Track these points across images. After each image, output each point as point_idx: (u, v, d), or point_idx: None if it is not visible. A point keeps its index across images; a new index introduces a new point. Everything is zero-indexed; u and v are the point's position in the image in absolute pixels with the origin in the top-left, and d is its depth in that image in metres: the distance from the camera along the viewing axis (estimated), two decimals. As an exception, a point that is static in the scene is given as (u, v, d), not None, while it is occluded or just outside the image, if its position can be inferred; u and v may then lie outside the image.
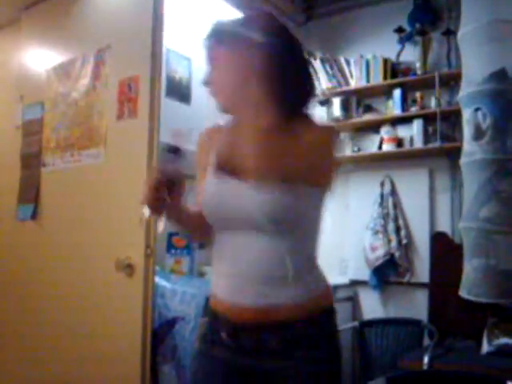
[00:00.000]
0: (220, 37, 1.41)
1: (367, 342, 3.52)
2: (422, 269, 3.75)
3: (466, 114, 3.30)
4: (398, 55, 3.97)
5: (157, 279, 2.45)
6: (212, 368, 1.36)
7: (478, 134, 3.23)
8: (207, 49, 1.42)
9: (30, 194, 2.98)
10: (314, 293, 1.34)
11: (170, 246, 2.84)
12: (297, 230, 1.33)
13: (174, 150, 2.12)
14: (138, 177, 2.41)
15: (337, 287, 3.75)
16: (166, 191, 1.34)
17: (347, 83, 4.11)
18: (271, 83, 1.36)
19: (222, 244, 1.39)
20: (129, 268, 2.38)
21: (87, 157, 2.70)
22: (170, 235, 2.85)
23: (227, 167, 1.38)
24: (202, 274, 3.15)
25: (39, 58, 3.08)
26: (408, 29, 3.93)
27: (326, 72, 4.13)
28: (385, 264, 3.80)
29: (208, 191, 1.41)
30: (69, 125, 2.81)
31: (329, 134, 1.43)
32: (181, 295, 2.46)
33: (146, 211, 1.36)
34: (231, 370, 1.34)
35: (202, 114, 3.34)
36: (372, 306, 3.92)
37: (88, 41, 2.79)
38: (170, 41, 3.18)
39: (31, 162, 3.01)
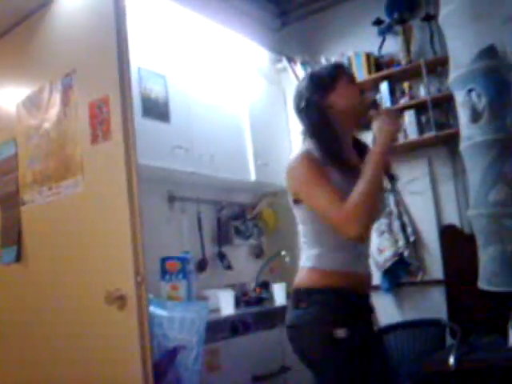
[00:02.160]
0: None
1: (387, 349, 3.32)
2: (435, 265, 3.59)
3: (459, 97, 3.16)
4: (380, 48, 3.85)
5: (152, 308, 2.28)
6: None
7: (475, 115, 3.08)
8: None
9: (12, 235, 2.82)
10: None
11: (164, 272, 2.67)
12: None
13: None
14: (120, 201, 2.28)
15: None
16: None
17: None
18: None
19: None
20: (120, 300, 2.22)
21: (66, 188, 2.55)
22: (163, 260, 2.68)
23: None
24: (202, 299, 2.99)
25: (6, 93, 2.95)
26: (387, 20, 3.81)
27: (309, 75, 3.99)
28: (394, 265, 3.64)
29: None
30: (43, 157, 2.66)
31: None
32: (179, 322, 2.28)
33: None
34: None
35: (182, 131, 3.21)
36: (387, 310, 3.72)
37: (53, 68, 2.66)
38: (143, 59, 3.05)
39: (10, 202, 2.86)
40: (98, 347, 2.35)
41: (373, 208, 1.69)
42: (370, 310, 1.92)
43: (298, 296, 1.82)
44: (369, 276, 1.91)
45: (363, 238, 1.75)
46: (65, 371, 2.50)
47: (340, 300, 1.77)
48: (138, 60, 2.98)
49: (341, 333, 1.70)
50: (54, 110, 2.62)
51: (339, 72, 1.90)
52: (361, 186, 1.68)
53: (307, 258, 1.84)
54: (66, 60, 2.60)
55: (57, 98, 2.61)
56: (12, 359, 2.79)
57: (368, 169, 1.71)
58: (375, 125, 1.82)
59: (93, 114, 2.40)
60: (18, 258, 2.78)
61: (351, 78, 1.95)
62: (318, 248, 1.82)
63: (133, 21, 2.58)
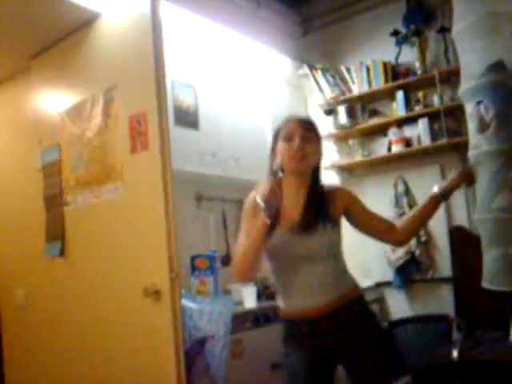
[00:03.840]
0: (313, 128, 2.12)
1: (397, 341, 3.56)
2: (444, 264, 3.81)
3: (469, 108, 3.36)
4: (397, 58, 4.04)
5: (184, 301, 2.54)
6: (301, 354, 2.03)
7: (483, 126, 3.28)
8: (304, 130, 2.05)
9: (56, 232, 3.11)
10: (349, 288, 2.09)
11: (193, 269, 2.94)
12: (338, 254, 2.09)
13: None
14: (156, 205, 2.54)
15: (363, 290, 3.80)
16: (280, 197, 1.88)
17: (350, 90, 4.20)
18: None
19: (289, 274, 2.03)
20: (156, 294, 2.48)
21: (106, 192, 2.82)
22: (193, 258, 2.96)
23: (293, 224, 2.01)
24: (227, 292, 3.24)
25: (51, 102, 3.23)
26: (404, 31, 4.01)
27: (329, 82, 4.22)
28: (407, 263, 3.86)
29: (280, 240, 2.00)
30: (86, 163, 2.94)
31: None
32: (208, 315, 2.55)
33: (261, 203, 1.84)
34: (315, 349, 2.02)
35: (210, 137, 3.47)
36: (399, 305, 3.97)
37: (95, 82, 2.92)
38: (174, 71, 3.29)
39: (54, 202, 3.15)
40: (135, 336, 2.63)
41: (249, 259, 1.93)
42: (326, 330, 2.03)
43: None
44: (318, 306, 2.01)
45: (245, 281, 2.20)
46: (104, 357, 2.79)
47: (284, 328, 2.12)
48: (170, 72, 3.23)
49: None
50: (96, 121, 2.89)
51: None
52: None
53: None
54: (108, 74, 2.86)
55: (99, 110, 2.87)
56: (56, 345, 3.09)
57: None
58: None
59: (132, 127, 2.67)
60: (62, 252, 3.07)
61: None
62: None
63: (165, 34, 2.77)
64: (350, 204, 2.12)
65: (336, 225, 2.05)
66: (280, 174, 1.92)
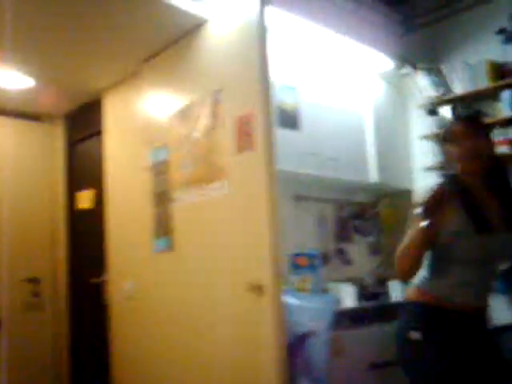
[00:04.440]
0: (481, 125, 2.13)
1: (503, 348, 3.45)
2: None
3: None
4: (504, 56, 3.91)
5: (285, 297, 2.62)
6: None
7: None
8: (472, 129, 2.04)
9: (164, 228, 3.28)
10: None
11: (295, 266, 3.02)
12: None
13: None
14: (260, 203, 2.63)
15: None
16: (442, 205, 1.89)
17: (453, 90, 4.11)
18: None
19: (465, 272, 2.03)
20: (259, 289, 2.57)
21: (212, 190, 2.95)
22: (295, 256, 3.03)
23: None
24: (325, 290, 3.28)
25: (160, 104, 3.41)
26: (510, 28, 3.88)
27: (431, 81, 4.15)
28: (510, 268, 3.72)
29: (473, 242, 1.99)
30: (193, 162, 3.08)
31: None
32: (309, 311, 2.61)
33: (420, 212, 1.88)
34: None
35: (310, 138, 3.52)
36: (502, 311, 3.83)
37: (202, 85, 3.06)
38: (276, 73, 3.37)
39: (162, 199, 3.32)
40: (237, 328, 2.74)
41: (407, 260, 2.00)
42: (470, 325, 2.07)
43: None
44: (469, 306, 2.05)
45: (405, 280, 2.11)
46: (206, 348, 2.93)
47: (423, 311, 2.07)
48: (273, 74, 3.31)
49: (415, 335, 2.01)
50: (204, 122, 3.02)
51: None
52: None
53: (418, 278, 2.15)
54: (215, 77, 2.99)
55: (206, 111, 3.01)
56: (161, 335, 3.27)
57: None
58: None
59: (240, 128, 2.77)
60: (169, 247, 3.24)
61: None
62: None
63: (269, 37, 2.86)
64: None
65: None
66: (448, 181, 1.99)
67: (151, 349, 3.34)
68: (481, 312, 2.09)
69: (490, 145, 2.11)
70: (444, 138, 2.13)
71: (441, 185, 1.92)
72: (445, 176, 2.09)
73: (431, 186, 1.92)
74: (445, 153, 2.12)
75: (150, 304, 3.39)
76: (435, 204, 1.88)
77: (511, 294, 3.82)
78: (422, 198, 1.90)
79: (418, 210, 1.89)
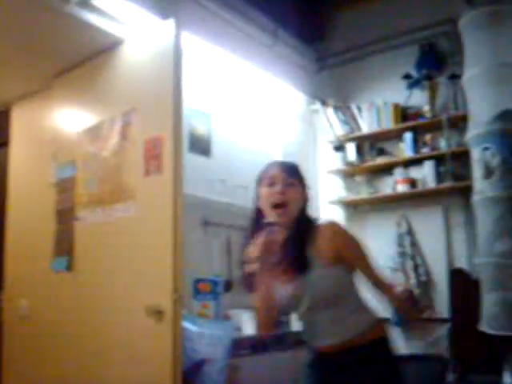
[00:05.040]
0: (296, 173, 2.00)
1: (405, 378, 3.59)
2: (442, 305, 3.84)
3: (475, 154, 3.45)
4: (407, 100, 4.16)
5: (184, 323, 2.60)
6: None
7: (488, 172, 3.37)
8: (286, 175, 1.95)
9: (65, 246, 3.18)
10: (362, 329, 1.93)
11: (196, 292, 3.00)
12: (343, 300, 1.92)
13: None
14: (165, 227, 2.61)
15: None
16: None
17: (360, 129, 4.30)
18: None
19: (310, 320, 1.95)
20: (158, 314, 2.54)
21: (117, 211, 2.90)
22: (197, 281, 3.02)
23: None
24: (227, 317, 3.29)
25: (70, 120, 3.33)
26: (415, 75, 4.13)
27: (339, 119, 4.33)
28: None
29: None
30: (99, 181, 3.03)
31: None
32: (207, 338, 2.60)
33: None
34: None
35: (221, 165, 3.56)
36: (395, 342, 3.98)
37: (114, 104, 3.03)
38: (190, 99, 3.40)
39: (65, 216, 3.22)
40: (135, 352, 2.68)
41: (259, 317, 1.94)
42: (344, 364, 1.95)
43: None
44: (330, 345, 1.94)
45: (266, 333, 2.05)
46: (103, 371, 2.83)
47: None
48: (187, 99, 3.33)
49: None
50: (113, 142, 2.98)
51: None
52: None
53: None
54: (127, 99, 2.96)
55: (116, 131, 2.97)
56: (55, 358, 3.13)
57: None
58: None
59: (148, 150, 2.76)
60: (69, 267, 3.13)
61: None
62: None
63: (184, 63, 2.84)
64: (342, 247, 1.90)
65: (329, 265, 1.86)
66: (269, 228, 1.85)
67: (46, 371, 3.19)
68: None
69: (302, 196, 1.97)
70: (259, 179, 2.01)
71: (267, 233, 1.83)
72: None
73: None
74: (256, 195, 2.00)
75: (44, 324, 3.25)
76: (267, 251, 1.82)
77: (404, 326, 4.00)
78: (252, 250, 1.84)
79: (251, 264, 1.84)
